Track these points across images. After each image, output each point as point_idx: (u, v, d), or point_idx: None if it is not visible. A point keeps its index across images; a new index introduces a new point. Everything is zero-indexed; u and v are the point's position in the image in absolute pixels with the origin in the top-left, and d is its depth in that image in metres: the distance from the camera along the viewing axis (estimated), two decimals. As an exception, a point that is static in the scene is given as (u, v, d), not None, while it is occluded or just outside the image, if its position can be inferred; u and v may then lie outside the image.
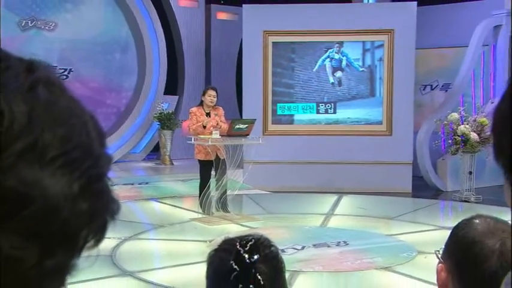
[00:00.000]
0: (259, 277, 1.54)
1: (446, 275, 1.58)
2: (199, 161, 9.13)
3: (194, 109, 9.13)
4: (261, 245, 1.60)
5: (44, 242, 0.56)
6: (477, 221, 1.60)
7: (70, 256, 0.60)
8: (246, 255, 1.56)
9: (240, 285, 1.54)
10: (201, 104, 9.13)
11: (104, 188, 0.62)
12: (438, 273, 1.61)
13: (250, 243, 1.59)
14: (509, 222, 1.64)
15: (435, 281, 1.64)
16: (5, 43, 0.73)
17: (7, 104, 0.55)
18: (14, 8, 13.99)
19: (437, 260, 1.63)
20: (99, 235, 0.62)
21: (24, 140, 0.55)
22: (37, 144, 0.56)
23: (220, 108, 9.22)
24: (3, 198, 0.53)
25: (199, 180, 9.20)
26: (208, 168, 9.07)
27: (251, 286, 1.53)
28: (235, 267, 1.55)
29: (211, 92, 9.06)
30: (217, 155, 8.92)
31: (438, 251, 1.67)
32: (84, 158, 0.60)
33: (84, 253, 0.62)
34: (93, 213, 0.60)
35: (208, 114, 9.03)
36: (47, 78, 0.61)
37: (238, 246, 1.58)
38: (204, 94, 9.16)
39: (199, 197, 9.13)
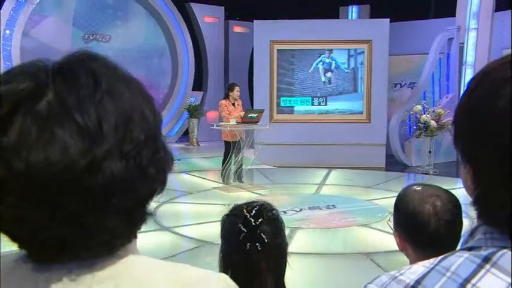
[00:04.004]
0: (263, 236, 1.52)
1: (402, 240, 1.56)
2: (225, 141, 9.08)
3: (224, 102, 9.04)
4: (264, 210, 1.58)
5: (144, 198, 0.72)
6: (411, 193, 1.57)
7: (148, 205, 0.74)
8: (252, 220, 1.54)
9: (248, 244, 1.51)
10: (227, 97, 9.08)
11: (160, 158, 0.72)
12: (396, 240, 1.59)
13: (255, 209, 1.56)
14: (438, 186, 1.61)
15: None
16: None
17: (87, 115, 0.64)
18: (79, 25, 14.17)
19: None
20: (161, 187, 0.75)
21: (107, 143, 0.64)
22: (117, 146, 0.65)
23: (240, 100, 9.24)
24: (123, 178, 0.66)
25: (222, 157, 9.14)
26: (231, 148, 9.04)
27: (257, 244, 1.51)
28: (243, 229, 1.53)
29: (238, 88, 9.06)
30: (234, 136, 8.91)
31: (389, 220, 1.65)
32: (147, 141, 0.69)
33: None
34: (158, 173, 0.72)
35: (233, 105, 9.01)
36: (109, 88, 0.67)
37: (245, 212, 1.56)
38: (232, 90, 9.04)
39: (222, 170, 9.12)
